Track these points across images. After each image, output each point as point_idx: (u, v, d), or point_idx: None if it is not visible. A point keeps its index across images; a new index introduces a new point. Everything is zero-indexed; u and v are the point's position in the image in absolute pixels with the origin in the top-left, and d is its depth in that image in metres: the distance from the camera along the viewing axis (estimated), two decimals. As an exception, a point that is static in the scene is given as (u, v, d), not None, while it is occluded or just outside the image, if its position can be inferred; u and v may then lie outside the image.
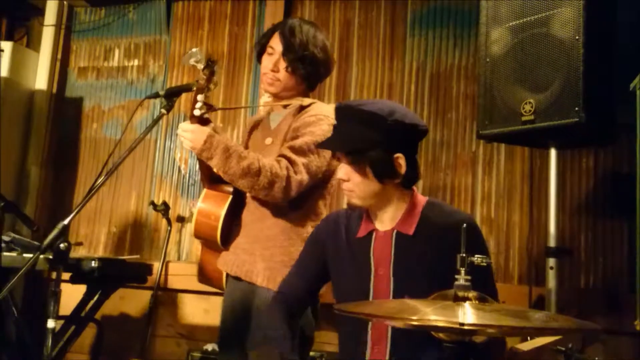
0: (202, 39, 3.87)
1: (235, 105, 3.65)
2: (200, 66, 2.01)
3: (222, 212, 2.12)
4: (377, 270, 1.68)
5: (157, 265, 3.39)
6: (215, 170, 2.08)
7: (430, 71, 3.36)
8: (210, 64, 2.01)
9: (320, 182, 2.14)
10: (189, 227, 3.65)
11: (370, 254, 1.70)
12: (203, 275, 2.29)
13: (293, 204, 2.08)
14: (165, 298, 3.51)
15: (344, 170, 1.69)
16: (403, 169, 1.65)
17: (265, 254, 2.08)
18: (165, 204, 3.52)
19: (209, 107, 2.05)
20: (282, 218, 2.10)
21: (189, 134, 2.00)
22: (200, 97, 2.02)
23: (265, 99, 2.66)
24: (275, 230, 2.10)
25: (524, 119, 2.31)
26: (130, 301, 3.54)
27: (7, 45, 3.75)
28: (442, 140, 3.25)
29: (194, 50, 2.04)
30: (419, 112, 3.30)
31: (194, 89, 2.04)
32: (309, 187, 2.07)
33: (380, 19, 3.52)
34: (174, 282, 3.49)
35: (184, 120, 3.72)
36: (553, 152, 2.41)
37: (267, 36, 2.25)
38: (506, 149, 3.13)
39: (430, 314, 1.01)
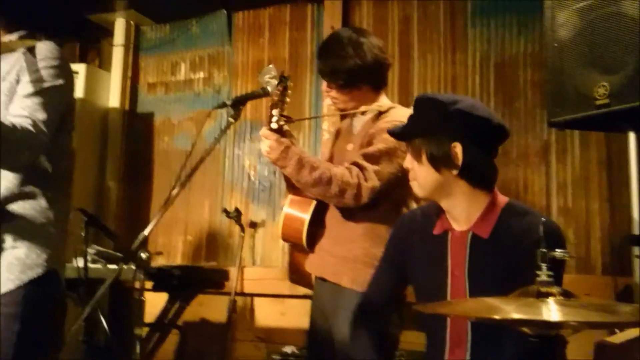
0: (263, 47, 3.93)
1: (314, 114, 3.69)
2: (275, 82, 2.07)
3: (307, 216, 2.18)
4: (453, 271, 1.66)
5: (233, 271, 3.47)
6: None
7: (495, 61, 3.29)
8: (283, 80, 2.08)
9: (400, 184, 2.13)
10: (262, 232, 3.72)
11: (446, 254, 1.68)
12: (294, 275, 2.34)
13: (374, 206, 2.09)
14: (242, 303, 3.59)
15: (407, 159, 1.70)
16: (459, 159, 1.61)
17: (348, 256, 2.12)
18: (237, 210, 3.60)
19: (286, 119, 2.11)
20: (363, 219, 2.13)
21: (269, 142, 2.07)
22: (275, 111, 2.08)
23: None
24: (357, 231, 2.13)
25: (598, 103, 2.21)
26: (209, 307, 3.64)
27: (81, 68, 3.93)
28: (511, 131, 3.16)
29: (268, 67, 2.10)
30: (486, 103, 3.23)
31: (264, 96, 2.10)
32: (385, 190, 2.07)
33: (439, 12, 3.48)
34: (249, 287, 3.56)
35: (251, 128, 3.81)
36: (632, 136, 2.30)
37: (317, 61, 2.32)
38: (580, 136, 3.02)
39: (512, 311, 0.99)
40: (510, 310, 0.99)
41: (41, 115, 1.51)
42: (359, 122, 2.29)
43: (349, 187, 2.02)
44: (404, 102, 3.39)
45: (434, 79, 3.42)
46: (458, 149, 1.61)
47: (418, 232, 1.78)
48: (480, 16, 3.35)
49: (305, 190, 2.13)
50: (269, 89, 2.07)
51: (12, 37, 1.65)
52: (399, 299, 1.98)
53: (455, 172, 1.63)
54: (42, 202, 1.61)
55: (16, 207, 1.58)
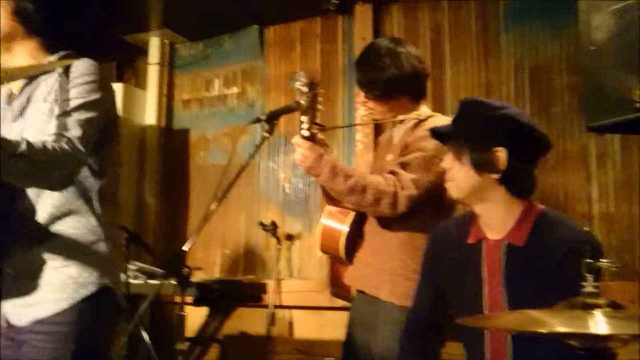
0: (294, 60, 3.96)
1: (352, 122, 3.69)
2: (305, 89, 2.07)
3: (345, 227, 2.17)
4: (489, 281, 1.63)
5: (270, 284, 3.49)
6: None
7: (530, 65, 3.24)
8: (312, 86, 2.07)
9: (439, 193, 2.10)
10: (298, 244, 3.73)
11: (481, 264, 1.66)
12: (334, 288, 2.33)
13: (412, 216, 2.07)
14: (281, 315, 3.60)
15: (447, 159, 1.69)
16: (502, 164, 1.60)
17: (386, 267, 2.09)
18: (273, 223, 3.62)
19: (319, 127, 2.10)
20: (401, 230, 2.10)
21: (302, 150, 2.06)
22: (305, 118, 2.08)
23: None
24: (394, 242, 2.11)
25: (637, 105, 2.16)
26: (248, 320, 3.65)
27: (118, 87, 4.02)
28: (549, 137, 3.11)
29: (299, 73, 2.11)
30: (521, 109, 3.17)
31: (298, 109, 2.10)
32: (424, 199, 2.05)
33: (470, 18, 3.45)
34: (287, 299, 3.56)
35: (285, 141, 3.83)
36: (674, 139, 2.24)
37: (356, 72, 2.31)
38: (621, 139, 2.95)
39: (558, 324, 0.97)
40: (555, 323, 0.97)
41: (75, 132, 1.50)
42: (398, 133, 2.27)
43: (385, 195, 1.99)
44: (437, 112, 3.37)
45: (467, 86, 3.39)
46: (502, 153, 1.60)
47: (452, 242, 1.76)
48: (513, 21, 3.32)
49: (340, 199, 2.12)
50: (302, 101, 2.07)
51: (52, 58, 1.67)
52: (444, 313, 1.92)
53: (496, 176, 1.61)
54: (90, 219, 1.61)
55: (65, 225, 1.58)
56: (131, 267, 2.86)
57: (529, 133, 1.63)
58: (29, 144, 1.39)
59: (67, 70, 1.59)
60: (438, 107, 3.38)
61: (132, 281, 2.80)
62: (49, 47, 1.69)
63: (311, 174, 2.09)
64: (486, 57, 3.37)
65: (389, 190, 2.00)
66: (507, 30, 3.33)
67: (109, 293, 1.62)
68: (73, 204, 1.59)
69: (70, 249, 1.58)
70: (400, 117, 2.22)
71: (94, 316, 1.57)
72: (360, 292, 2.19)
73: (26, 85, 1.63)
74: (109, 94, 1.67)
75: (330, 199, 2.21)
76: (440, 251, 1.80)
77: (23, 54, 1.66)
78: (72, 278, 1.56)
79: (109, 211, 1.66)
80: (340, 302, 3.19)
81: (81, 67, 1.59)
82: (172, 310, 3.69)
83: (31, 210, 1.58)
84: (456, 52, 3.46)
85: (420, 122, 2.16)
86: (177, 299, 3.13)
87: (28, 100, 1.62)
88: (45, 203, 1.58)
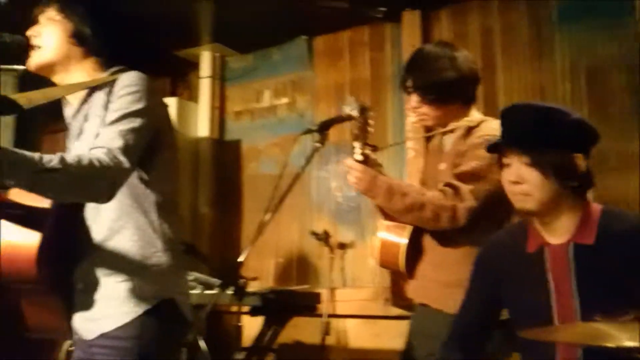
0: (343, 69, 3.98)
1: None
2: (355, 114, 2.07)
3: (404, 241, 2.12)
4: (558, 288, 1.58)
5: (324, 293, 3.49)
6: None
7: (586, 66, 3.15)
8: (362, 111, 2.07)
9: (498, 202, 2.03)
10: (351, 253, 3.72)
11: (545, 271, 1.61)
12: (396, 299, 2.31)
13: (472, 227, 2.02)
14: (335, 324, 3.60)
15: (516, 172, 1.59)
16: (581, 171, 1.57)
17: (450, 280, 2.04)
18: (325, 232, 3.63)
19: (371, 147, 2.09)
20: (463, 241, 2.05)
21: (355, 173, 2.05)
22: (357, 143, 2.07)
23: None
24: (455, 254, 2.07)
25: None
26: (303, 329, 3.67)
27: (172, 101, 4.13)
28: (605, 138, 3.01)
29: (349, 98, 2.11)
30: (578, 110, 3.08)
31: (349, 119, 2.10)
32: (483, 210, 2.01)
33: (522, 21, 3.39)
34: (341, 308, 3.56)
35: (336, 150, 3.83)
36: None
37: (403, 77, 2.25)
38: (685, 139, 2.84)
39: (625, 339, 0.93)
40: (623, 337, 0.94)
41: (118, 143, 1.48)
42: (448, 139, 2.23)
43: (444, 210, 1.96)
44: (489, 117, 3.32)
45: (520, 89, 3.33)
46: (580, 160, 1.56)
47: (508, 254, 1.71)
48: (567, 21, 3.24)
49: (398, 218, 2.08)
50: (353, 113, 2.07)
51: (105, 74, 1.69)
52: (495, 320, 1.88)
53: (574, 184, 1.57)
54: (148, 231, 1.59)
55: (123, 238, 1.58)
56: (188, 277, 2.92)
57: (595, 136, 1.61)
58: (61, 158, 1.39)
59: (114, 85, 1.60)
60: (490, 112, 3.29)
61: (189, 291, 2.85)
62: (105, 65, 1.71)
63: (367, 196, 2.08)
64: (539, 59, 3.29)
65: (448, 205, 1.96)
66: (560, 30, 3.26)
67: (172, 305, 1.60)
68: (130, 217, 1.59)
69: (130, 263, 1.57)
70: (451, 125, 2.18)
71: (157, 330, 1.56)
72: (423, 304, 2.15)
73: (83, 103, 1.67)
74: (155, 104, 1.64)
75: (386, 214, 2.19)
76: (495, 263, 1.75)
77: (80, 74, 1.69)
78: (133, 292, 1.55)
79: (169, 222, 1.64)
80: (395, 311, 3.17)
81: (125, 80, 1.60)
82: (228, 320, 3.74)
83: (92, 225, 1.60)
84: (508, 54, 3.40)
85: (472, 128, 2.12)
86: (233, 309, 3.19)
87: (85, 118, 1.65)
88: (103, 218, 1.59)
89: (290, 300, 3.08)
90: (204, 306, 2.54)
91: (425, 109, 2.18)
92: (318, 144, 2.12)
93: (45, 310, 1.62)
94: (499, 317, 1.85)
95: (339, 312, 3.56)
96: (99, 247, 1.59)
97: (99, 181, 1.45)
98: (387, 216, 2.20)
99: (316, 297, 3.31)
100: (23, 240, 1.50)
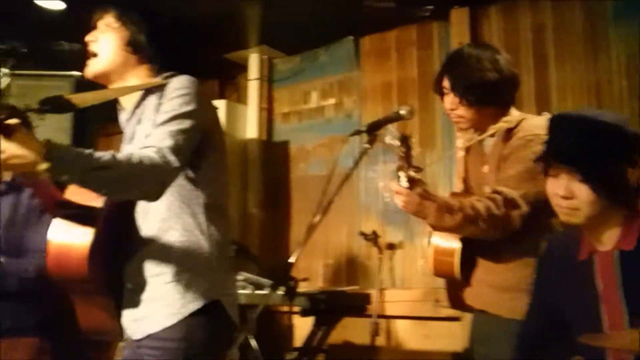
0: (390, 69, 3.96)
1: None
2: (396, 142, 2.05)
3: (457, 247, 2.10)
4: (606, 295, 1.55)
5: (373, 294, 3.48)
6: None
7: (643, 62, 3.05)
8: (404, 140, 2.05)
9: (543, 202, 2.04)
10: (400, 254, 3.70)
11: (595, 278, 1.58)
12: (454, 303, 2.29)
13: (524, 229, 1.98)
14: (385, 325, 3.58)
15: (566, 186, 1.55)
16: (634, 185, 1.51)
17: (506, 285, 2.03)
18: (374, 232, 3.62)
19: (415, 169, 2.07)
20: (515, 245, 2.02)
21: (402, 197, 2.01)
22: (402, 172, 2.05)
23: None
24: (510, 257, 2.04)
25: None
26: (353, 330, 3.66)
27: (221, 104, 4.19)
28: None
29: (389, 129, 2.09)
30: (635, 108, 2.99)
31: (398, 120, 2.08)
32: (534, 212, 1.97)
33: (575, 16, 3.31)
34: (391, 309, 3.55)
35: (384, 151, 3.82)
36: None
37: (438, 78, 2.22)
38: None
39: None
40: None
41: (167, 142, 1.50)
42: (488, 140, 2.19)
43: (498, 220, 1.93)
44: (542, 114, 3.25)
45: (574, 87, 3.24)
46: (633, 175, 1.51)
47: (564, 259, 1.69)
48: (623, 16, 3.13)
49: (452, 233, 2.06)
50: (394, 143, 2.05)
51: (157, 79, 1.73)
52: (555, 330, 1.83)
53: (625, 199, 1.53)
54: (195, 232, 1.61)
55: (172, 239, 1.60)
56: (239, 277, 2.96)
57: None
58: (113, 155, 1.42)
59: (165, 89, 1.64)
60: (542, 109, 3.25)
61: (240, 291, 2.89)
62: (157, 71, 1.75)
63: (417, 217, 2.04)
64: (594, 55, 3.20)
65: (501, 213, 1.93)
66: (616, 25, 3.16)
67: (219, 307, 1.61)
68: (178, 218, 1.61)
69: (177, 264, 1.59)
70: (491, 129, 2.14)
71: (203, 331, 1.57)
72: (481, 310, 2.12)
73: (136, 107, 1.71)
74: (205, 107, 1.67)
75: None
76: (552, 270, 1.73)
77: (134, 80, 1.74)
78: (180, 293, 1.56)
79: (216, 224, 1.65)
80: (444, 312, 3.14)
81: (175, 83, 1.63)
82: (280, 320, 3.77)
83: (141, 225, 1.63)
84: (561, 51, 3.32)
85: (511, 129, 2.08)
86: (282, 309, 3.22)
87: (138, 122, 1.69)
88: (152, 218, 1.62)
89: (340, 301, 3.09)
90: (254, 306, 2.58)
91: (462, 110, 2.14)
92: (367, 146, 2.11)
93: (96, 310, 1.63)
94: (562, 323, 1.82)
95: (388, 312, 3.55)
96: (147, 247, 1.61)
97: (149, 179, 1.47)
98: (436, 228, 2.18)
99: (366, 298, 3.31)
100: (76, 240, 1.50)
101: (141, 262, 1.62)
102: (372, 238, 3.61)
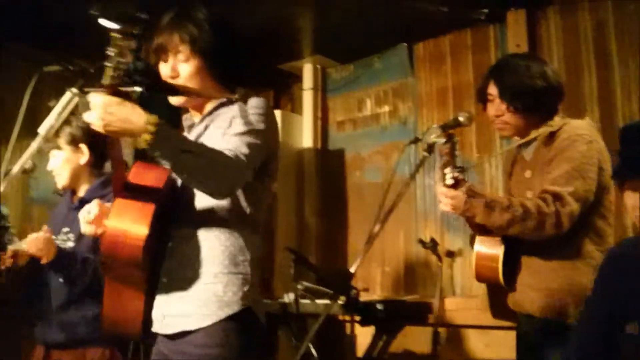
0: (446, 74, 3.92)
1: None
2: (442, 141, 2.07)
3: (500, 252, 2.10)
4: None
5: (434, 302, 3.44)
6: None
7: None
8: (449, 139, 2.07)
9: (594, 201, 2.02)
10: (460, 262, 3.65)
11: None
12: (495, 310, 2.27)
13: (570, 229, 1.98)
14: (446, 334, 3.53)
15: (632, 194, 1.53)
16: None
17: (552, 287, 2.02)
18: (433, 240, 3.57)
19: (460, 169, 2.10)
20: (560, 247, 2.02)
21: (449, 200, 2.08)
22: (447, 170, 2.08)
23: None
24: (555, 260, 2.04)
25: None
26: (414, 339, 3.62)
27: (276, 113, 4.22)
28: None
29: (433, 127, 2.11)
30: None
31: (460, 125, 2.09)
32: (583, 211, 1.97)
33: (638, 10, 3.18)
34: (452, 317, 3.50)
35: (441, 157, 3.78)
36: None
37: (483, 84, 2.26)
38: None
39: None
40: None
41: (244, 150, 1.58)
42: (529, 148, 2.21)
43: (547, 217, 1.94)
44: (606, 117, 3.16)
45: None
46: None
47: (632, 267, 1.62)
48: (691, 11, 3.01)
49: (500, 232, 2.06)
50: (439, 141, 2.06)
51: (236, 95, 1.78)
52: (615, 340, 1.80)
53: None
54: (239, 240, 1.67)
55: (217, 242, 1.65)
56: (299, 286, 2.98)
57: None
58: (202, 143, 1.53)
59: (244, 102, 1.72)
60: (607, 112, 3.16)
61: (301, 300, 2.92)
62: (225, 86, 1.81)
63: (465, 217, 2.10)
64: (660, 53, 3.08)
65: (550, 211, 1.94)
66: (683, 20, 3.03)
67: (252, 315, 1.64)
68: (227, 224, 1.66)
69: (219, 267, 1.63)
70: (533, 133, 2.14)
71: (240, 337, 1.60)
72: (527, 315, 2.09)
73: (207, 115, 1.78)
74: (274, 129, 1.76)
75: (478, 228, 2.15)
76: (620, 274, 1.67)
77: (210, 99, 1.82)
78: (217, 296, 1.60)
79: (256, 237, 1.73)
80: (507, 322, 3.07)
81: (255, 102, 1.72)
82: (342, 329, 3.77)
83: (187, 223, 1.68)
84: (624, 50, 3.21)
85: (554, 133, 2.10)
86: (342, 318, 3.21)
87: (205, 128, 1.75)
88: (200, 218, 1.67)
89: (401, 310, 3.07)
90: (315, 315, 2.59)
91: (508, 117, 2.18)
92: (426, 154, 2.12)
93: (126, 301, 1.63)
94: (623, 331, 1.76)
95: (449, 321, 3.50)
96: (191, 246, 1.66)
97: (226, 173, 1.54)
98: (481, 230, 2.16)
99: (427, 307, 3.28)
100: (137, 221, 1.52)
101: (183, 260, 1.66)
102: (431, 246, 3.56)
